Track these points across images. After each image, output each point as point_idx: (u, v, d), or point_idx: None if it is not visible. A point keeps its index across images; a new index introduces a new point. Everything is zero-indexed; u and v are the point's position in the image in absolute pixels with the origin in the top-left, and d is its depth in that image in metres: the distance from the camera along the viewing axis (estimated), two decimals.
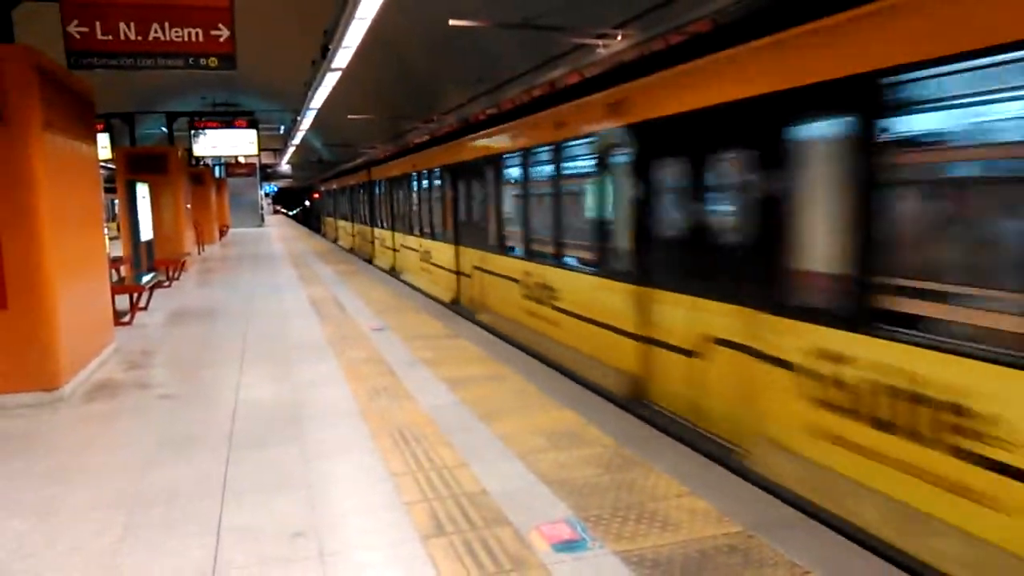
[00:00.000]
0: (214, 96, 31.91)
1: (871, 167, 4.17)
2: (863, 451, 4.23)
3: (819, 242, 4.70)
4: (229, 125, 23.11)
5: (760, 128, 5.04)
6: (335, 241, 34.34)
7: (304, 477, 4.73)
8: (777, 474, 4.85)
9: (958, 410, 3.67)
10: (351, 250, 26.17)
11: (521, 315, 9.99)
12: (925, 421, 3.84)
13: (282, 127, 32.56)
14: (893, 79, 4.00)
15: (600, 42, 9.53)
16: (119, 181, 17.41)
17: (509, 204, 10.81)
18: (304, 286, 15.11)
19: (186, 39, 8.40)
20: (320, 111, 21.06)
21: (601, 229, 7.78)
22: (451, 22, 9.55)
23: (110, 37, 8.12)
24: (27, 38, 6.96)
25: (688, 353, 6.04)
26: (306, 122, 24.55)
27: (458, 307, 12.99)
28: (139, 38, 8.24)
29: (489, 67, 15.10)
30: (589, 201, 8.16)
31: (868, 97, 4.14)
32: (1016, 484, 3.42)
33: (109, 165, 20.21)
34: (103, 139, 18.26)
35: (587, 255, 8.25)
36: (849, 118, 4.33)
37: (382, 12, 9.83)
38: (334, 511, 4.20)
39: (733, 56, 5.38)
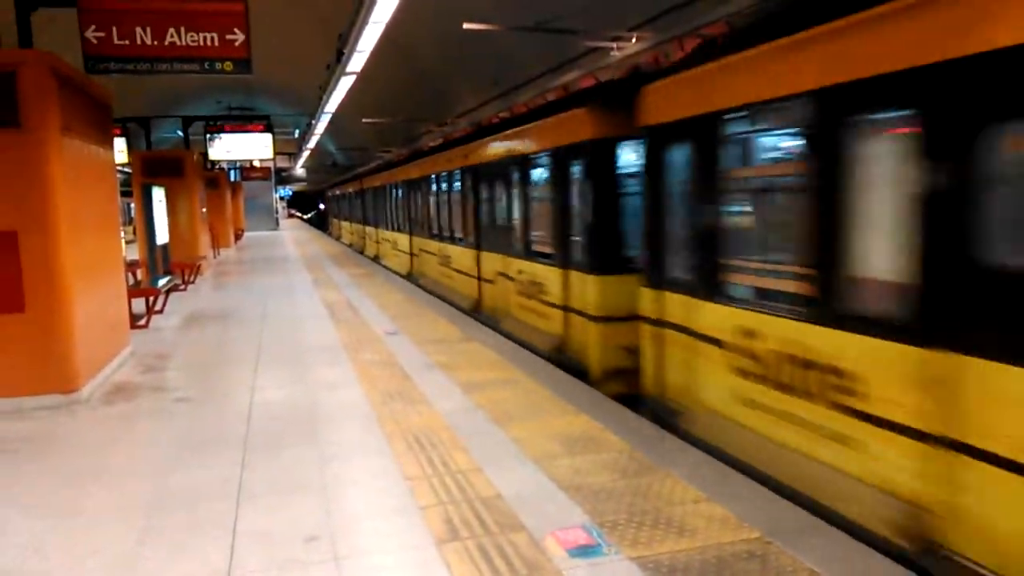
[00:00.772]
0: (229, 100, 32.14)
1: None
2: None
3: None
4: (244, 129, 23.26)
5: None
6: (339, 239, 38.35)
7: (319, 480, 4.73)
8: None
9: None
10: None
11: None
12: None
13: (296, 131, 32.73)
14: None
15: (614, 45, 9.51)
16: (135, 185, 17.52)
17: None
18: (318, 290, 15.16)
19: (202, 43, 8.46)
20: (334, 115, 21.13)
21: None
22: (465, 25, 9.57)
23: (127, 42, 8.20)
24: (45, 43, 7.02)
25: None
26: (320, 126, 24.64)
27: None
28: (155, 43, 8.31)
29: (503, 70, 15.12)
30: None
31: None
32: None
33: (125, 169, 20.36)
34: (119, 143, 18.41)
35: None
36: None
37: (396, 16, 9.86)
38: (349, 514, 4.20)
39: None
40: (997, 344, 3.31)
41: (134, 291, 11.03)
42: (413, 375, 7.41)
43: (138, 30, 8.22)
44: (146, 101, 23.04)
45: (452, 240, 14.43)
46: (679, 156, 6.05)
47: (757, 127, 5.34)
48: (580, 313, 8.19)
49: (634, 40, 9.35)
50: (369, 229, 28.00)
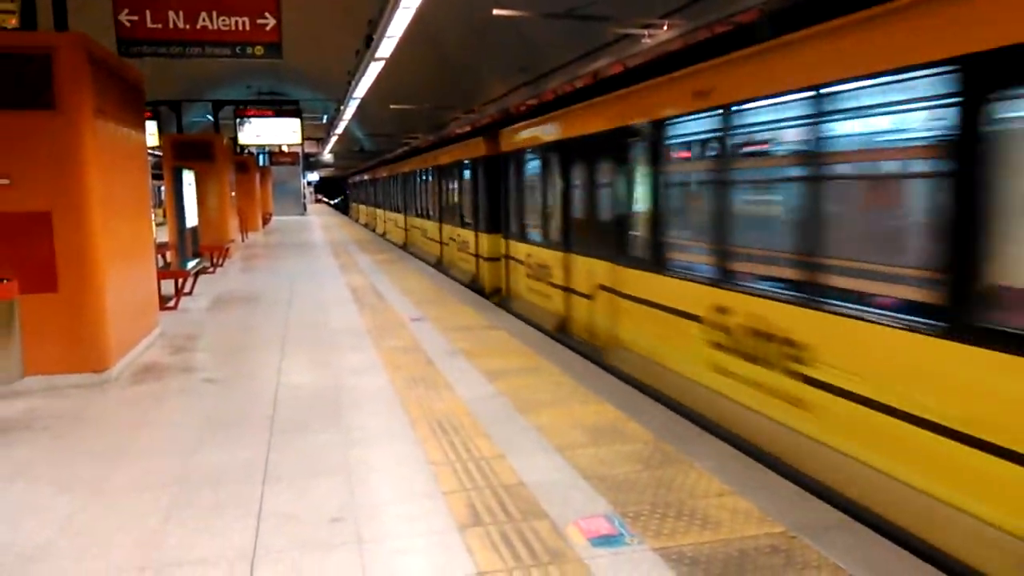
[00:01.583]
0: (259, 85, 32.35)
1: None
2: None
3: None
4: (274, 114, 23.40)
5: None
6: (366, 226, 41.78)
7: (343, 463, 4.77)
8: None
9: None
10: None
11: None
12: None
13: (325, 116, 32.87)
14: None
15: (646, 32, 9.41)
16: (166, 168, 17.73)
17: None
18: (344, 274, 15.25)
19: (233, 28, 8.53)
20: (363, 101, 21.18)
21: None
22: (495, 12, 9.52)
23: (159, 25, 8.28)
24: (77, 26, 7.09)
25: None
26: (349, 111, 24.73)
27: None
28: (187, 26, 8.39)
29: (531, 57, 15.02)
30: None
31: None
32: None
33: (156, 152, 20.60)
34: (151, 126, 18.64)
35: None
36: None
37: (425, 1, 9.83)
38: (373, 498, 4.22)
39: None
40: None
41: (164, 273, 11.18)
42: (437, 361, 7.43)
43: (171, 14, 8.30)
44: (177, 85, 23.25)
45: (422, 216, 21.84)
46: (511, 168, 12.06)
47: (532, 159, 11.09)
48: (480, 256, 14.39)
49: (665, 28, 9.24)
50: (377, 210, 37.25)
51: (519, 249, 11.59)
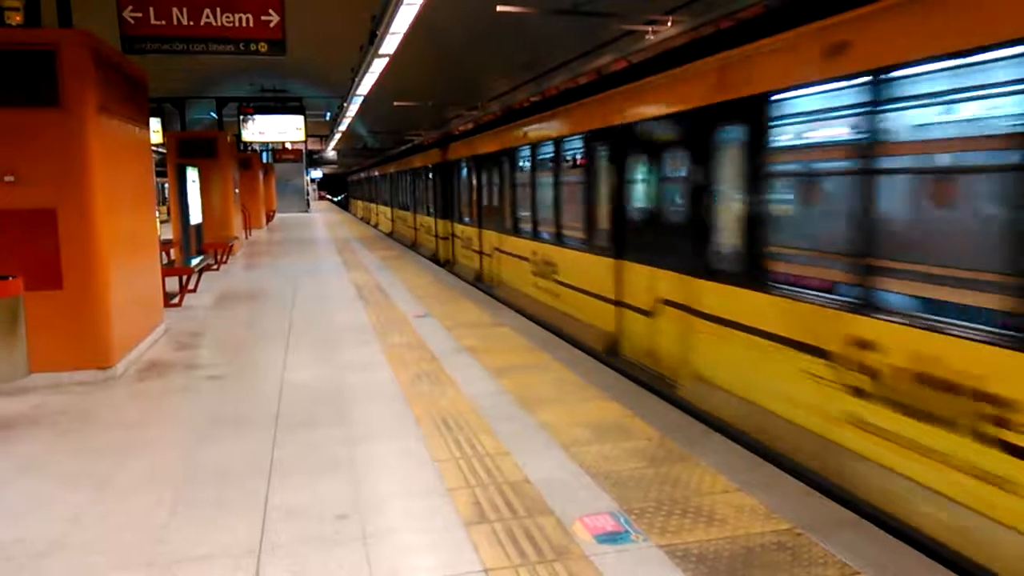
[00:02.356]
0: (263, 82, 32.31)
1: None
2: None
3: None
4: (277, 111, 23.40)
5: None
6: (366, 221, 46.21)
7: (348, 459, 4.77)
8: None
9: None
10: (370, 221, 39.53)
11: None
12: None
13: (328, 114, 32.84)
14: None
15: (649, 28, 9.39)
16: (170, 165, 17.76)
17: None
18: (348, 271, 15.26)
19: (237, 24, 8.53)
20: (366, 98, 21.17)
21: None
22: (499, 8, 9.49)
23: (163, 22, 8.28)
24: (83, 23, 7.09)
25: None
26: (352, 108, 24.72)
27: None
28: (191, 23, 8.39)
29: (535, 53, 15.00)
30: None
31: None
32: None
33: (160, 149, 20.61)
34: (154, 123, 18.63)
35: None
36: None
37: None
38: (378, 494, 4.23)
39: None
40: None
41: (168, 270, 11.18)
42: (442, 358, 7.43)
43: (175, 11, 8.30)
44: (181, 82, 23.24)
45: (403, 208, 27.68)
46: (457, 173, 16.63)
47: (470, 167, 15.34)
48: (439, 237, 19.39)
49: (670, 24, 9.22)
50: (371, 204, 43.01)
51: (458, 229, 17.03)
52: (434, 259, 19.27)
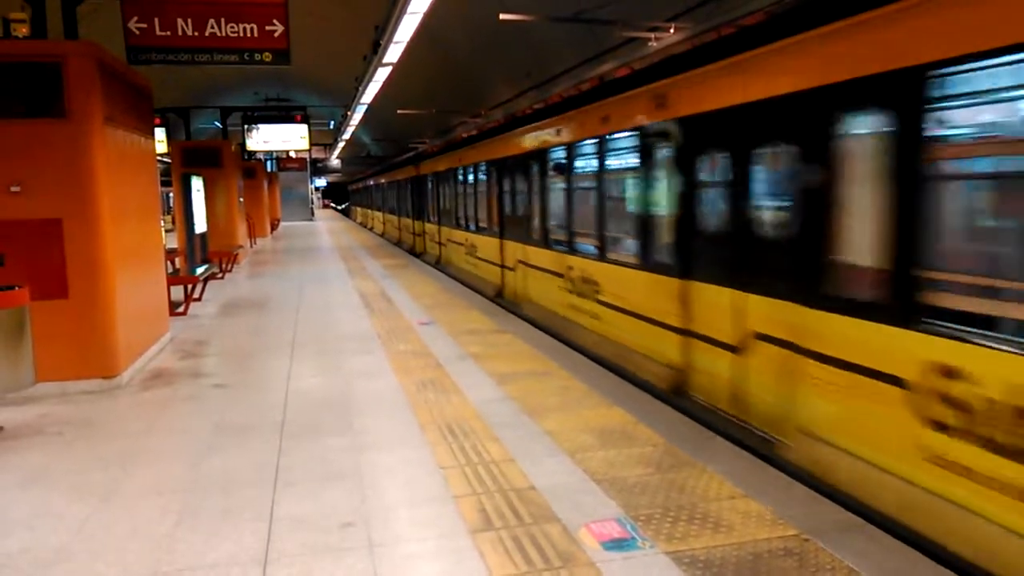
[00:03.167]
0: (267, 91, 32.46)
1: None
2: None
3: None
4: (281, 120, 23.49)
5: None
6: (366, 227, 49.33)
7: (354, 467, 4.77)
8: None
9: None
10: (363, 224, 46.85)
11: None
12: None
13: (332, 122, 32.97)
14: None
15: (652, 35, 9.41)
16: (174, 174, 17.81)
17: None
18: (352, 279, 15.28)
19: (241, 35, 8.56)
20: (370, 106, 21.26)
21: None
22: (501, 16, 9.54)
23: (168, 33, 8.33)
24: (88, 34, 7.13)
25: None
26: (356, 117, 24.85)
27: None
28: (196, 34, 8.43)
29: (537, 61, 15.05)
30: None
31: None
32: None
33: (165, 159, 20.70)
34: (159, 133, 18.70)
35: None
36: None
37: (432, 7, 9.86)
38: (383, 502, 4.22)
39: None
40: None
41: (173, 279, 11.21)
42: (447, 365, 7.43)
43: (180, 21, 8.34)
44: (185, 92, 23.37)
45: (392, 213, 32.82)
46: (432, 183, 21.70)
47: (443, 180, 20.03)
48: (415, 233, 25.20)
49: (672, 31, 9.25)
50: (367, 210, 48.74)
51: (428, 228, 22.53)
52: (412, 252, 24.27)
